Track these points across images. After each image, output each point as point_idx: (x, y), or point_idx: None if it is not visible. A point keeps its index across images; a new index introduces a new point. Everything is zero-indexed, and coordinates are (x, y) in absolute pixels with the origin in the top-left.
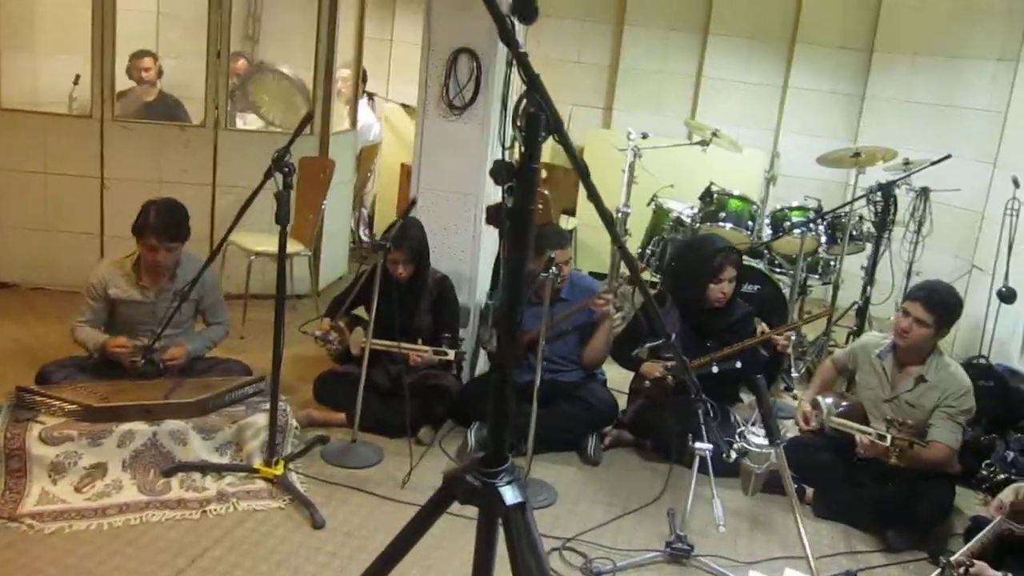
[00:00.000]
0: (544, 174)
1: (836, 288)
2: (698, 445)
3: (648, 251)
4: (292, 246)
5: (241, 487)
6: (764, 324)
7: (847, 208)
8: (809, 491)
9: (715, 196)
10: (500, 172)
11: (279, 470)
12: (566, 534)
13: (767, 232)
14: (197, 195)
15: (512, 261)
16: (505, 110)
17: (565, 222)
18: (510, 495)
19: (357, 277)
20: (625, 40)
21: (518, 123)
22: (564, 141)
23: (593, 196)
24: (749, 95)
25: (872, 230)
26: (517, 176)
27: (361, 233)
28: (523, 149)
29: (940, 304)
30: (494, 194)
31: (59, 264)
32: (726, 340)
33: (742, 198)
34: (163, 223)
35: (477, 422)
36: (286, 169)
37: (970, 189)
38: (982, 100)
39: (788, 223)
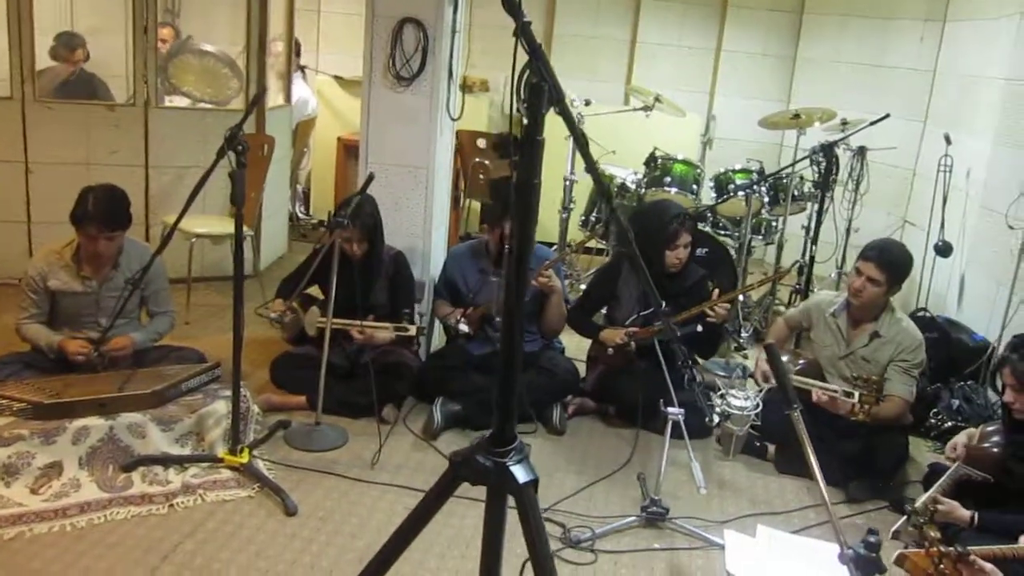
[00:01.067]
0: (483, 143)
1: (780, 248)
2: (670, 410)
3: (592, 218)
4: (232, 226)
5: (207, 478)
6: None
7: (790, 169)
8: (771, 448)
9: (659, 161)
10: (504, 145)
11: (244, 458)
12: (541, 505)
13: (711, 195)
14: (129, 177)
15: (519, 234)
16: (452, 79)
17: None
18: (522, 473)
19: (309, 256)
20: (559, 6)
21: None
22: (564, 112)
23: (591, 167)
24: (683, 59)
25: (813, 190)
26: (521, 149)
27: (297, 210)
28: (526, 121)
29: (892, 263)
30: (443, 167)
31: None
32: (683, 304)
33: (686, 162)
34: (103, 211)
35: (440, 397)
36: (239, 147)
37: (902, 147)
38: (910, 59)
39: (732, 186)
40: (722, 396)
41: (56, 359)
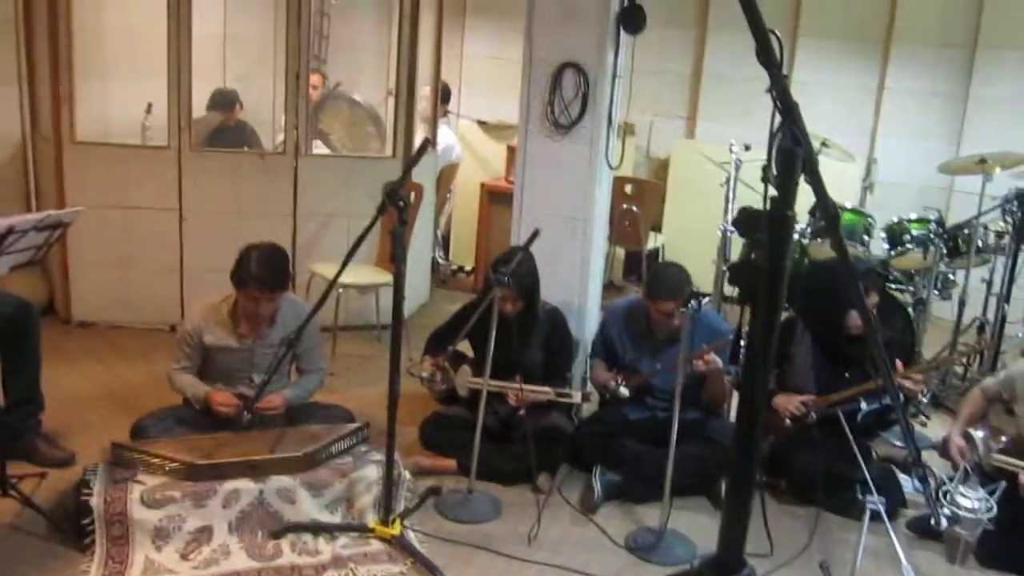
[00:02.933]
0: (630, 189)
1: (962, 304)
2: (869, 499)
3: None
4: (381, 276)
5: (357, 549)
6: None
7: (977, 218)
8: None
9: None
10: (746, 221)
11: (396, 529)
12: None
13: (883, 246)
14: (278, 225)
15: (762, 321)
16: (611, 126)
17: (652, 239)
18: None
19: (460, 311)
20: (708, 46)
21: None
22: (816, 182)
23: (839, 246)
24: (842, 98)
25: (999, 241)
26: (770, 226)
27: (437, 256)
28: (776, 192)
29: None
30: (601, 219)
31: (138, 301)
32: (866, 371)
33: (855, 211)
34: (265, 273)
35: (598, 466)
36: (401, 203)
37: None
38: None
39: (907, 236)
40: (947, 494)
41: (203, 411)
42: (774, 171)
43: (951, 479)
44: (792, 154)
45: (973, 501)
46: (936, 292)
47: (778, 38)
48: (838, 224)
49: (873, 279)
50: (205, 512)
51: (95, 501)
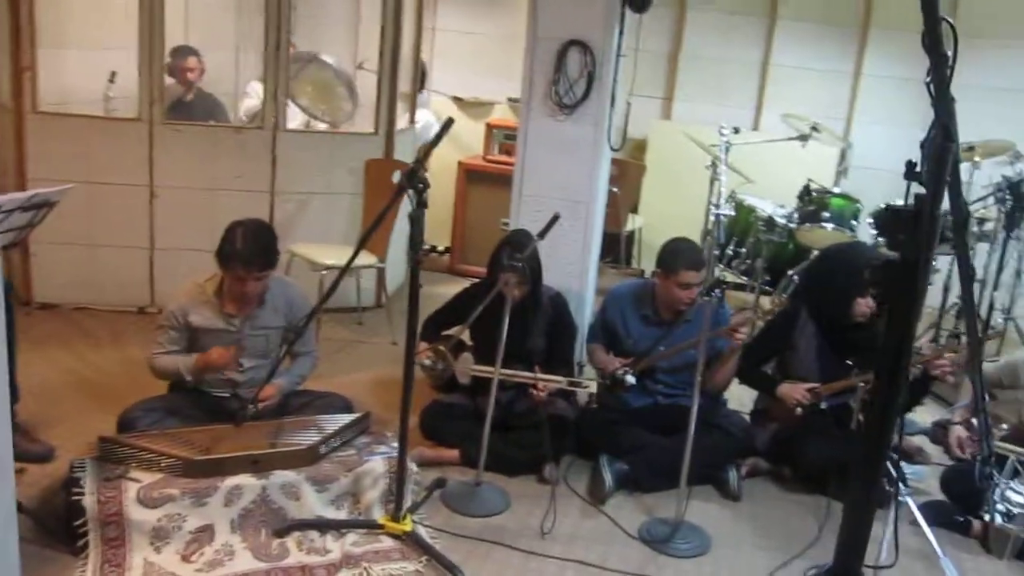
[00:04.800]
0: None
1: (946, 291)
2: (903, 489)
3: (729, 251)
4: (366, 257)
5: (368, 547)
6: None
7: (968, 206)
8: (976, 524)
9: (814, 194)
10: (889, 220)
11: (407, 525)
12: None
13: (870, 232)
14: (254, 203)
15: (899, 320)
16: (613, 107)
17: (631, 220)
18: None
19: (458, 296)
20: (687, 26)
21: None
22: (955, 179)
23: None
24: (819, 83)
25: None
26: (914, 226)
27: None
28: (924, 190)
29: None
30: (602, 202)
31: (105, 282)
32: (869, 359)
33: (844, 196)
34: (252, 251)
35: (605, 455)
36: (420, 185)
37: None
38: None
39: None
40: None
41: (197, 392)
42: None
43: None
44: (945, 150)
45: None
46: None
47: (952, 27)
48: (967, 226)
49: (880, 267)
50: (206, 510)
51: (88, 501)
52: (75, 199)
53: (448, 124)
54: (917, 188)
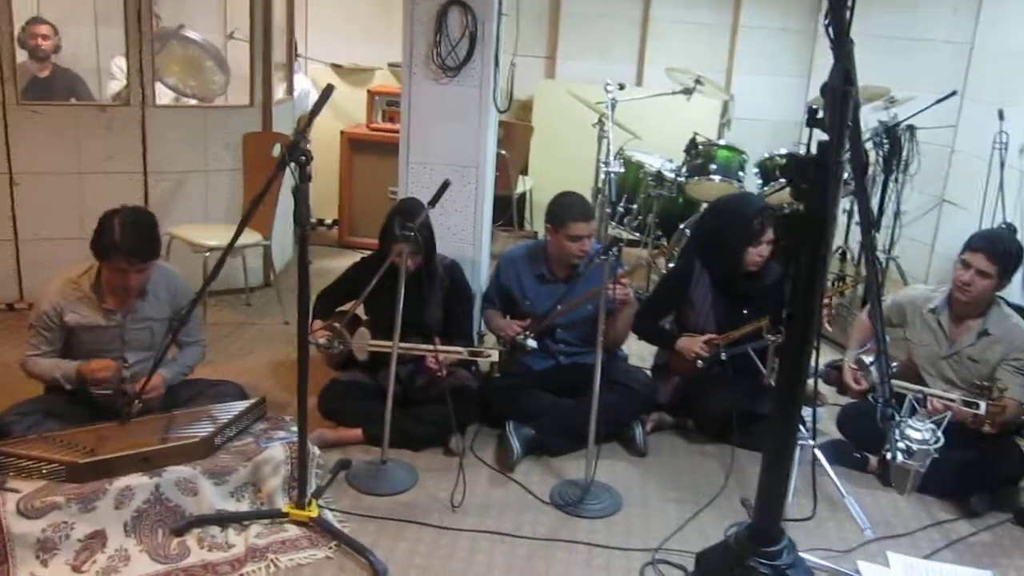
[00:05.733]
0: (501, 133)
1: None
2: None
3: (621, 208)
4: (251, 236)
5: (273, 537)
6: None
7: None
8: (873, 459)
9: (700, 147)
10: (792, 168)
11: (314, 511)
12: (648, 544)
13: (755, 182)
14: (126, 185)
15: (808, 270)
16: (498, 68)
17: (521, 182)
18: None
19: (350, 270)
20: None
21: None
22: (856, 127)
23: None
24: (699, 36)
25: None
26: (816, 174)
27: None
28: (826, 137)
29: (1003, 253)
30: (490, 166)
31: None
32: (762, 306)
33: (730, 147)
34: (133, 241)
35: (511, 421)
36: (303, 158)
37: (938, 124)
38: (942, 32)
39: (778, 172)
40: (898, 427)
41: (77, 392)
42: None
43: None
44: (845, 94)
45: (923, 433)
46: None
47: None
48: (866, 173)
49: (769, 215)
50: (95, 516)
51: None
52: None
53: (328, 92)
54: (815, 137)
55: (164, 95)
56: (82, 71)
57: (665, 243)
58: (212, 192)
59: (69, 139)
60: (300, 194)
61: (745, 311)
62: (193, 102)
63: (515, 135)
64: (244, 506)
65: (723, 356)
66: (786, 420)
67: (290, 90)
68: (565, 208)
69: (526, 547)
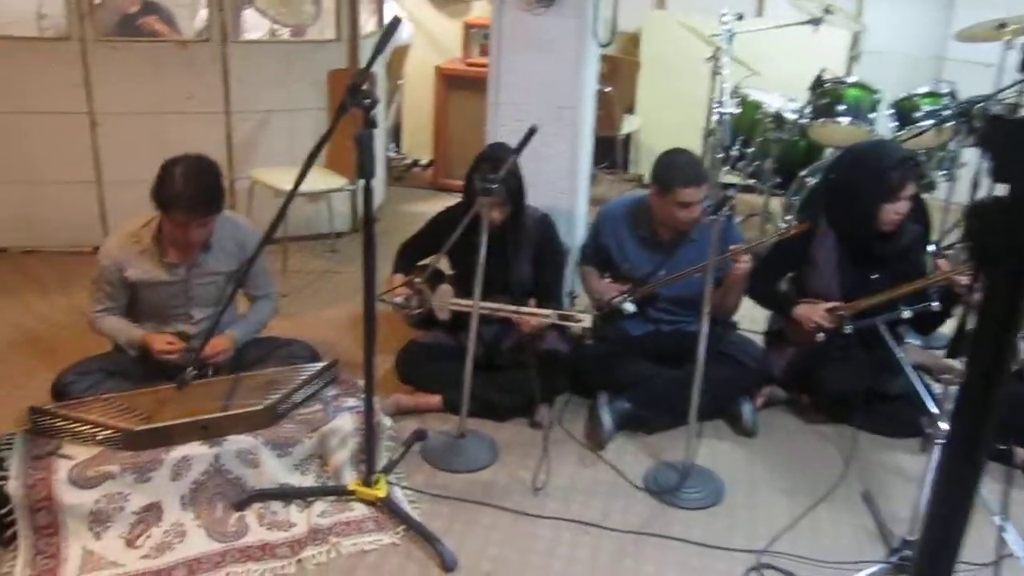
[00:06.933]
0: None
1: (975, 187)
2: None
3: (735, 152)
4: (333, 180)
5: (337, 517)
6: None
7: (1001, 93)
8: (1020, 451)
9: (827, 85)
10: (994, 133)
11: (381, 490)
12: (752, 543)
13: (889, 125)
14: (208, 126)
15: (1009, 289)
16: None
17: (627, 122)
18: None
19: (433, 221)
20: None
21: None
22: None
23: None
24: None
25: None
26: None
27: (388, 150)
28: None
29: None
30: (590, 107)
31: (51, 220)
32: (897, 270)
33: (861, 85)
34: (195, 193)
35: (605, 393)
36: (367, 101)
37: None
38: None
39: (918, 113)
40: None
41: (140, 357)
42: None
43: None
44: None
45: None
46: (943, 173)
47: None
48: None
49: (911, 167)
50: (151, 487)
51: (12, 486)
52: (6, 131)
53: (394, 25)
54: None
55: (253, 28)
56: (178, 5)
57: (782, 192)
58: (296, 132)
59: (149, 77)
60: (364, 142)
61: (876, 276)
62: (280, 34)
63: (620, 71)
64: (309, 480)
65: (847, 329)
66: (963, 484)
67: (380, 22)
68: (674, 170)
69: (613, 541)
